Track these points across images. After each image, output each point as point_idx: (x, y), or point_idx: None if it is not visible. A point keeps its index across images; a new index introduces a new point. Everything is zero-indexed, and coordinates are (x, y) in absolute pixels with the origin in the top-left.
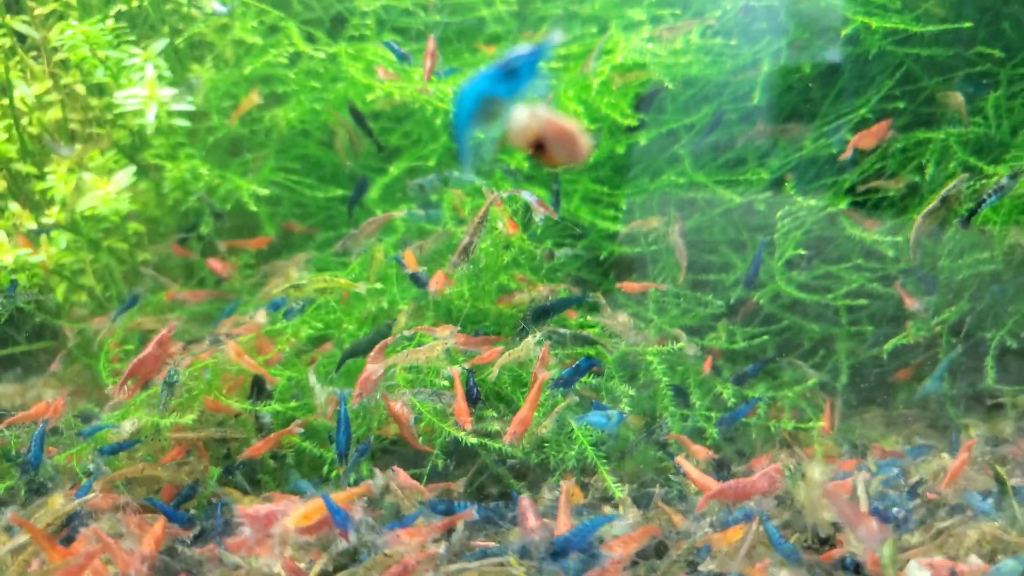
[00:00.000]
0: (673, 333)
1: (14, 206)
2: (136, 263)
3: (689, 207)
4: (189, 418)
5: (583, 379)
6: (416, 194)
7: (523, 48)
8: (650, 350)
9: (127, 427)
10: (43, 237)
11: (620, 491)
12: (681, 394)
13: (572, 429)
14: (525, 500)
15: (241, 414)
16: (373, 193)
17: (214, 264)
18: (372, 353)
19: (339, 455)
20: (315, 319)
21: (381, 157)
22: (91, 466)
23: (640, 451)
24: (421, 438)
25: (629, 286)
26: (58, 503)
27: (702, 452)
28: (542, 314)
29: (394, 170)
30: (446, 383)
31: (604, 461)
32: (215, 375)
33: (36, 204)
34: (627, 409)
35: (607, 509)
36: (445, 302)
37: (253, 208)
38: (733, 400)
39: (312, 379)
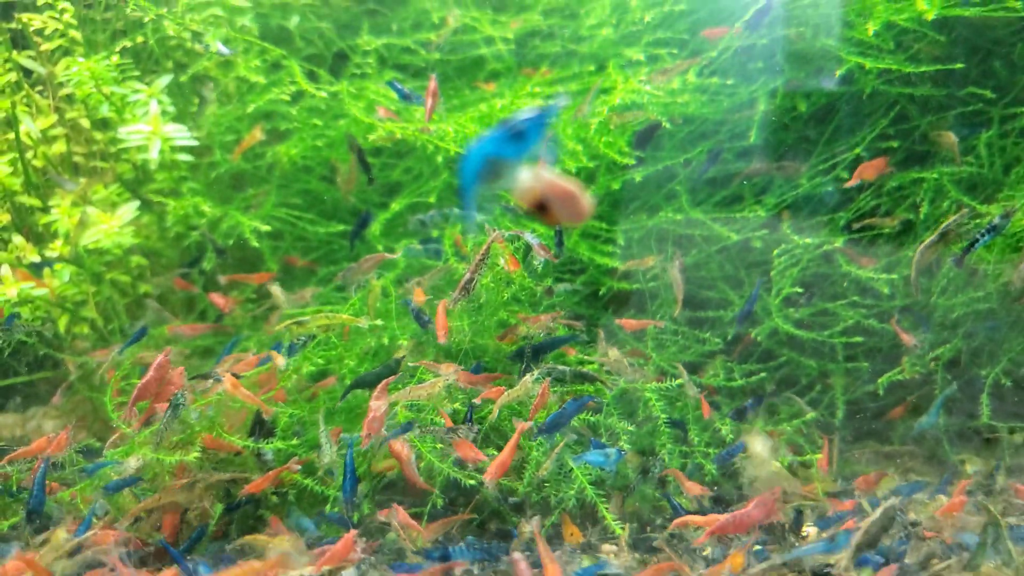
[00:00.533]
0: (676, 371)
1: (18, 239)
2: (138, 296)
3: (687, 243)
4: (193, 455)
5: (580, 416)
6: (417, 229)
7: (529, 111)
8: (649, 387)
9: (132, 464)
10: (47, 270)
11: (620, 528)
12: (680, 430)
13: (571, 468)
14: (521, 563)
15: (243, 452)
16: (375, 228)
17: (215, 298)
18: (376, 391)
19: (346, 501)
20: (316, 355)
21: (382, 192)
22: (97, 504)
23: (638, 489)
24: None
25: (628, 323)
26: (61, 538)
27: (696, 488)
28: (535, 353)
29: (395, 205)
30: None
31: (604, 500)
32: (217, 412)
33: (40, 237)
34: (626, 447)
35: (606, 547)
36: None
37: (255, 244)
38: (731, 436)
39: (323, 438)
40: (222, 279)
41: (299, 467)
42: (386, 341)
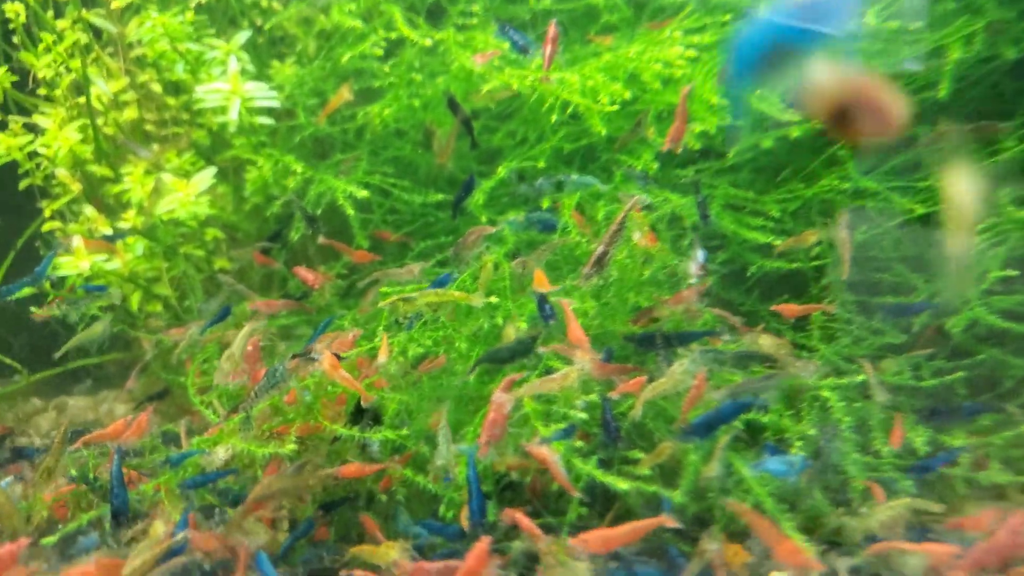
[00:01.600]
0: (855, 367)
1: (89, 210)
2: (213, 272)
3: (856, 218)
4: (289, 447)
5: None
6: (526, 198)
7: None
8: (826, 383)
9: (220, 455)
10: (119, 243)
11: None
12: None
13: (743, 476)
14: None
15: (340, 438)
16: (477, 198)
17: (303, 273)
18: (501, 384)
19: (474, 524)
20: (424, 336)
21: (481, 159)
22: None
23: (811, 503)
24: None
25: (788, 308)
26: (160, 531)
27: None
28: (668, 341)
29: (502, 170)
30: (583, 415)
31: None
32: (315, 397)
33: (110, 208)
34: (800, 453)
35: (775, 574)
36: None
37: (350, 211)
38: (927, 447)
39: (441, 436)
40: (322, 240)
41: (400, 467)
42: (500, 321)
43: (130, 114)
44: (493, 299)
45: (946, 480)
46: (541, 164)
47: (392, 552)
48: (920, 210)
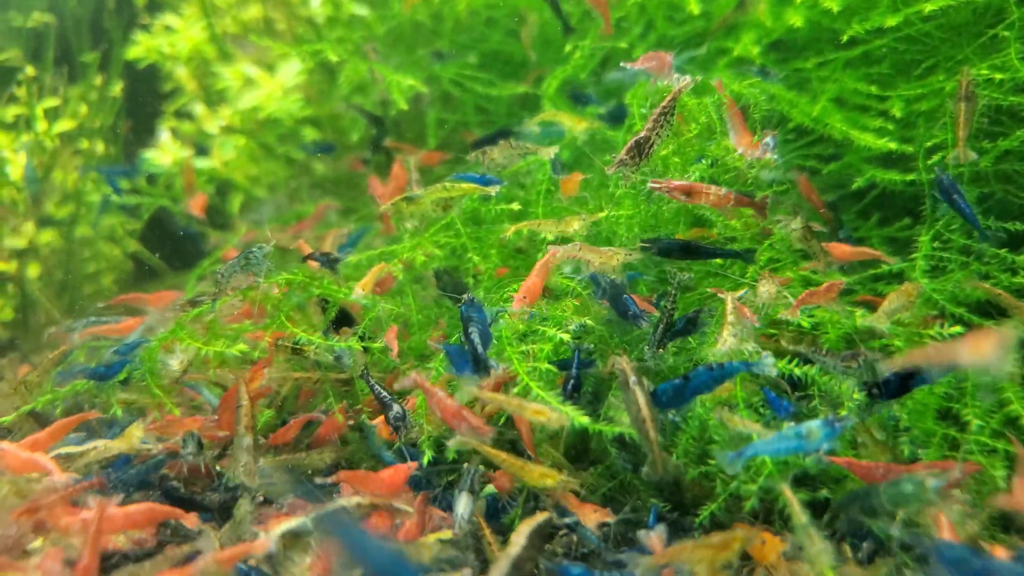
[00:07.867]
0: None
1: (200, 108)
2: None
3: (1011, 120)
4: (239, 347)
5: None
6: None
7: None
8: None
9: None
10: (216, 141)
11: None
12: None
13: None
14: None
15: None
16: (550, 85)
17: (376, 185)
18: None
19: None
20: (436, 241)
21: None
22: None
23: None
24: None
25: (838, 249)
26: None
27: None
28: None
29: (579, 54)
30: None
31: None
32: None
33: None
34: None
35: None
36: (608, 227)
37: (402, 105)
38: None
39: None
40: (389, 142)
41: None
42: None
43: (254, 12)
44: (515, 205)
45: None
46: (638, 53)
47: None
48: None
